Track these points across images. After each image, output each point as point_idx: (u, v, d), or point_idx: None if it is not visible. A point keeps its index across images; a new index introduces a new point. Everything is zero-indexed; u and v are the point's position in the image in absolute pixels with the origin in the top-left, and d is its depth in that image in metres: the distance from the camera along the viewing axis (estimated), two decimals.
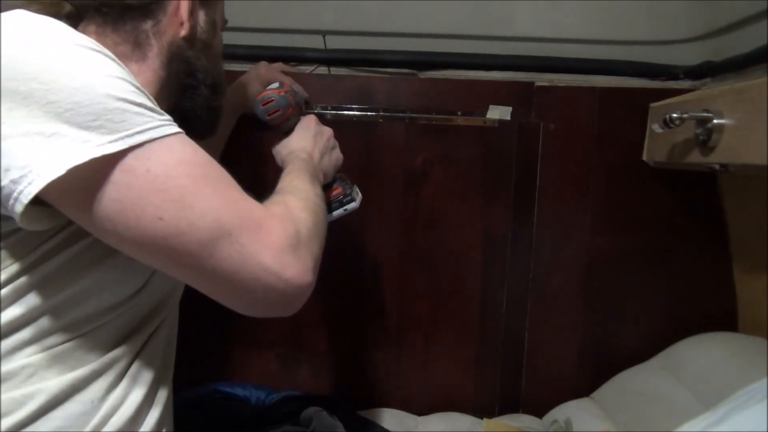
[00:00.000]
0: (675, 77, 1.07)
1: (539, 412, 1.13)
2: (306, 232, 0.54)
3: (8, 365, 0.49)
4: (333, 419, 0.91)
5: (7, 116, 0.42)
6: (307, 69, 1.08)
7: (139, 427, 0.57)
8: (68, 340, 0.52)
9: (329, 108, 1.08)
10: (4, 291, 0.48)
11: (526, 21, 1.04)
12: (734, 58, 0.93)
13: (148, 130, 0.46)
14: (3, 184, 0.42)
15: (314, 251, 0.55)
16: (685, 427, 0.58)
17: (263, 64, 1.00)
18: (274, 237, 0.49)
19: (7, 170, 0.42)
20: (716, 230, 1.09)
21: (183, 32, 0.62)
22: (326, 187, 0.81)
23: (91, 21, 0.58)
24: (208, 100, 0.67)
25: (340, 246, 1.06)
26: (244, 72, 1.00)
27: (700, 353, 1.00)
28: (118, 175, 0.44)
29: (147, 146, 0.45)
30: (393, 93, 1.09)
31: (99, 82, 0.45)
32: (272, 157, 0.81)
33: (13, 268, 0.48)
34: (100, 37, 0.50)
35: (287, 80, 0.92)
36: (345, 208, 0.86)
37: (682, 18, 0.99)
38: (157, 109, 0.49)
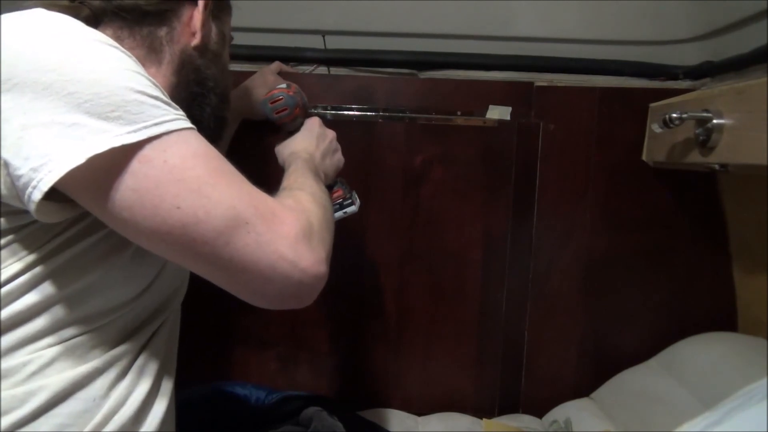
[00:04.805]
0: (675, 77, 1.07)
1: (539, 412, 1.14)
2: (317, 224, 0.56)
3: (14, 360, 0.49)
4: (333, 419, 0.91)
5: (28, 107, 0.43)
6: (307, 69, 1.08)
7: (141, 427, 0.57)
8: (80, 334, 0.53)
9: (329, 108, 1.08)
10: (22, 279, 0.49)
11: (526, 21, 1.04)
12: (734, 58, 0.93)
13: (165, 122, 0.46)
14: (22, 172, 0.43)
15: (326, 243, 0.56)
16: (685, 427, 0.58)
17: (268, 70, 1.01)
18: (288, 227, 0.50)
19: (27, 159, 0.42)
20: (716, 230, 1.09)
21: (195, 41, 0.64)
22: (327, 189, 0.82)
23: (108, 25, 0.59)
24: (215, 110, 0.68)
25: (340, 246, 1.05)
26: (244, 72, 1.00)
27: (700, 353, 1.00)
28: (136, 165, 0.45)
29: (164, 138, 0.46)
30: (393, 93, 1.09)
31: (117, 75, 0.46)
32: (274, 159, 0.82)
33: (30, 258, 0.49)
34: (116, 41, 0.51)
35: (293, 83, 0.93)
36: (345, 211, 0.87)
37: (682, 18, 0.99)
38: (172, 103, 0.50)
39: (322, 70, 1.09)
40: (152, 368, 0.59)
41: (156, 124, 0.46)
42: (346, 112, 1.08)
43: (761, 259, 1.03)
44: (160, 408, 0.59)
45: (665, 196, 1.09)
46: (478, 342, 1.14)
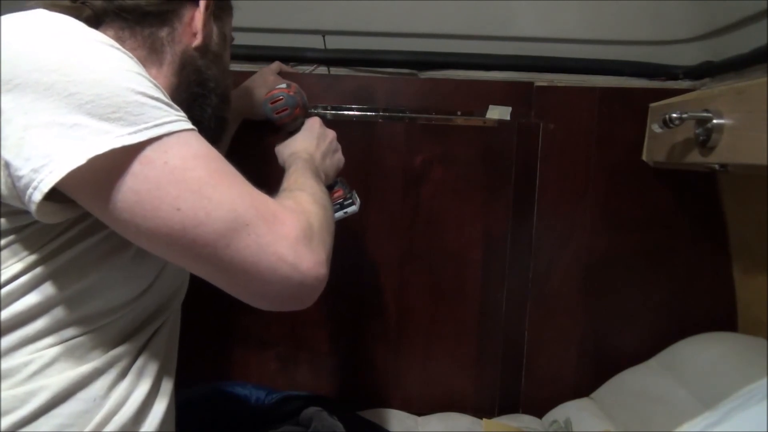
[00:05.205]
0: (675, 77, 1.07)
1: (539, 412, 1.14)
2: (318, 225, 0.56)
3: (14, 360, 0.49)
4: (333, 419, 0.91)
5: (30, 107, 0.43)
6: (307, 69, 1.08)
7: (142, 427, 0.57)
8: (81, 334, 0.53)
9: (329, 108, 1.08)
10: (22, 279, 0.49)
11: (526, 21, 1.04)
12: (734, 58, 0.93)
13: (166, 124, 0.47)
14: (23, 173, 0.43)
15: (327, 244, 0.56)
16: (685, 427, 0.58)
17: (268, 70, 1.01)
18: (288, 228, 0.50)
19: (28, 159, 0.42)
20: (716, 230, 1.09)
21: (196, 42, 0.64)
22: (327, 190, 0.82)
23: (110, 26, 0.59)
24: (216, 110, 0.68)
25: (340, 246, 1.05)
26: (244, 72, 1.00)
27: (700, 353, 1.00)
28: (137, 167, 0.45)
29: (165, 139, 0.46)
30: (393, 93, 1.09)
31: (118, 76, 0.46)
32: (274, 159, 0.82)
33: (31, 258, 0.49)
34: (117, 42, 0.51)
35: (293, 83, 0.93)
36: (345, 210, 0.87)
37: (682, 18, 0.99)
38: (173, 104, 0.50)
39: (322, 70, 1.09)
40: (152, 368, 0.59)
41: (157, 126, 0.46)
42: (346, 112, 1.08)
43: (761, 259, 1.03)
44: (160, 408, 0.59)
45: (665, 196, 1.09)
46: (478, 342, 1.14)
